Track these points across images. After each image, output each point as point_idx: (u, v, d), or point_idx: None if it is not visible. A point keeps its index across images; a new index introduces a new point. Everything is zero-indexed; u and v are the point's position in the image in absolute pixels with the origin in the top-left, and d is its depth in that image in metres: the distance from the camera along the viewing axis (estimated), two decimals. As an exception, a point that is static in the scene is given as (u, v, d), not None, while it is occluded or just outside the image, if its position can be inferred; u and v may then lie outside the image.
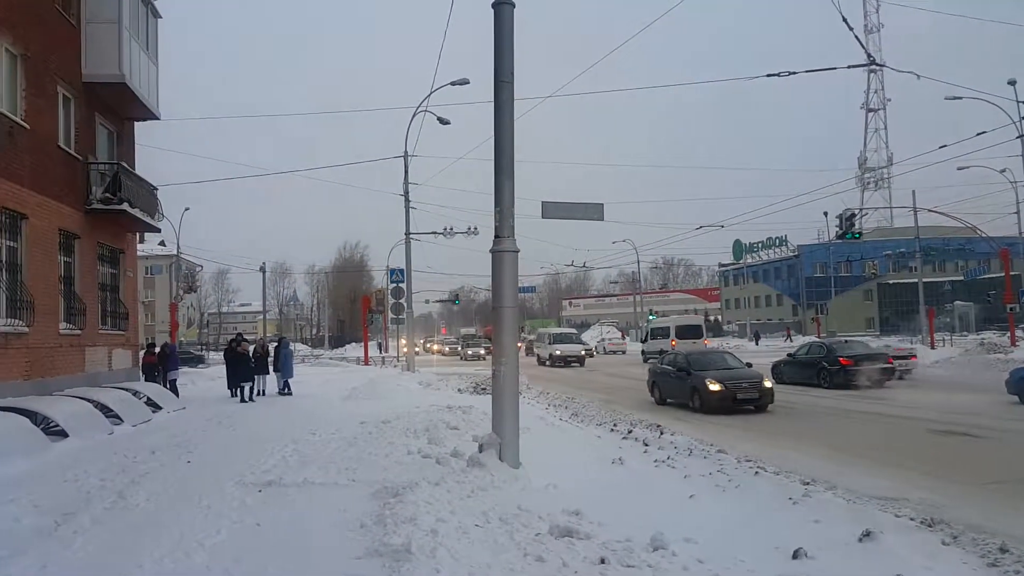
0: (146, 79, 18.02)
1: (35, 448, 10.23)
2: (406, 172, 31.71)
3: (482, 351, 47.58)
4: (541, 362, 40.37)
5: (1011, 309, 34.03)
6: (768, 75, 16.84)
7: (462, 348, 55.18)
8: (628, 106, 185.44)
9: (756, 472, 8.75)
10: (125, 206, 16.76)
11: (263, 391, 20.16)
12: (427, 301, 68.23)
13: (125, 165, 17.61)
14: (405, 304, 33.67)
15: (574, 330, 56.81)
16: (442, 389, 23.22)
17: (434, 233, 36.27)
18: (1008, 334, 34.80)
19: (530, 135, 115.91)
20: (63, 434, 11.46)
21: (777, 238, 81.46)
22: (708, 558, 5.42)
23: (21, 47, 13.44)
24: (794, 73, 16.69)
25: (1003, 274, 36.63)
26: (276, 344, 22.42)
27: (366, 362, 40.35)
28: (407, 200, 31.91)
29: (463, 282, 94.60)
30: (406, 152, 31.55)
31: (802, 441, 12.41)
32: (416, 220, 34.22)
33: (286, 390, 20.59)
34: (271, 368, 20.96)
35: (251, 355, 20.03)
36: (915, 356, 24.68)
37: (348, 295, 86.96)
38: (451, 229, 36.76)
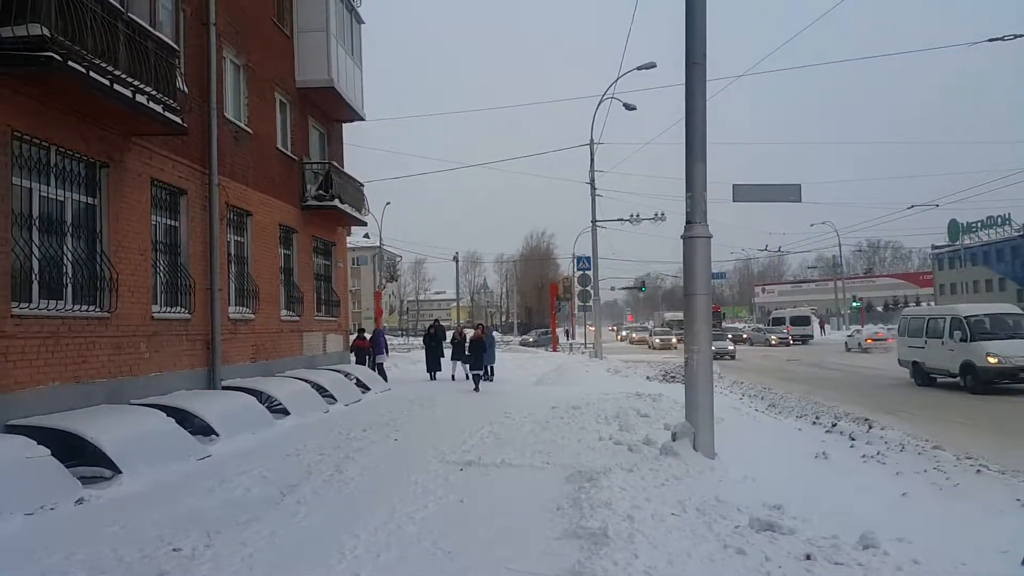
0: (351, 82, 19.33)
1: (261, 425, 11.37)
2: (592, 160, 31.85)
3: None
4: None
5: None
6: (991, 40, 15.20)
7: (650, 336, 53.66)
8: (831, 82, 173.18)
9: (978, 471, 8.03)
10: (336, 202, 18.13)
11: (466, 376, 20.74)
12: (613, 288, 68.02)
13: (335, 164, 19.06)
14: (592, 291, 33.87)
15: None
16: (630, 376, 23.17)
17: (620, 220, 36.08)
18: None
19: (720, 116, 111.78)
20: (284, 412, 12.60)
21: (999, 216, 72.66)
22: (925, 559, 5.02)
23: (244, 58, 14.90)
24: (1020, 36, 15.04)
25: None
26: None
27: (554, 348, 41.07)
28: (593, 188, 32.05)
29: (649, 269, 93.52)
30: (592, 140, 31.68)
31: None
32: (602, 207, 34.40)
33: (489, 376, 20.69)
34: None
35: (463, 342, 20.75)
36: None
37: (535, 283, 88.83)
38: (637, 216, 36.38)
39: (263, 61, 15.77)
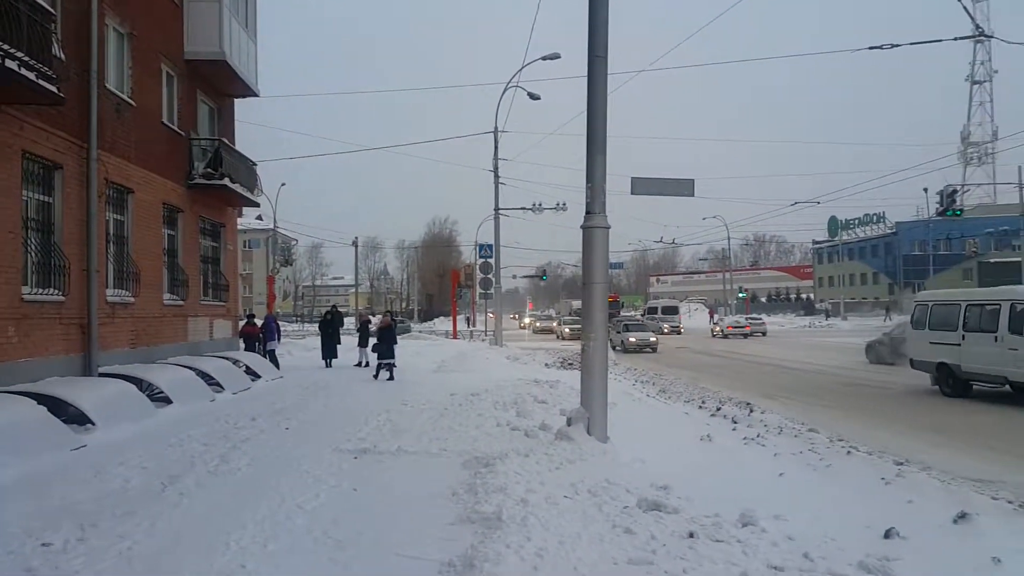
0: (245, 56, 18.49)
1: (141, 414, 10.79)
2: (496, 148, 31.92)
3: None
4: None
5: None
6: (871, 48, 16.27)
7: (558, 326, 51.25)
8: (724, 80, 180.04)
9: (848, 452, 8.56)
10: (226, 181, 17.34)
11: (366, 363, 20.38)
12: (514, 276, 68.58)
13: (226, 141, 18.26)
14: (493, 279, 34.05)
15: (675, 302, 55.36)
16: (529, 363, 23.45)
17: (523, 209, 36.34)
18: None
19: (621, 110, 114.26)
20: (167, 400, 12.04)
21: (875, 215, 78.29)
22: (798, 535, 5.33)
23: (128, 26, 13.98)
24: (897, 46, 16.06)
25: None
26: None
27: (454, 336, 41.08)
28: (496, 176, 32.13)
29: (551, 258, 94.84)
30: (496, 127, 31.72)
31: (895, 423, 11.99)
32: (505, 196, 34.50)
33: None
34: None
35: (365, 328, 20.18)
36: None
37: (437, 270, 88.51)
38: (540, 205, 36.78)
39: (149, 30, 14.92)
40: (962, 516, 5.63)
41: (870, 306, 72.50)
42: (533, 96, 29.03)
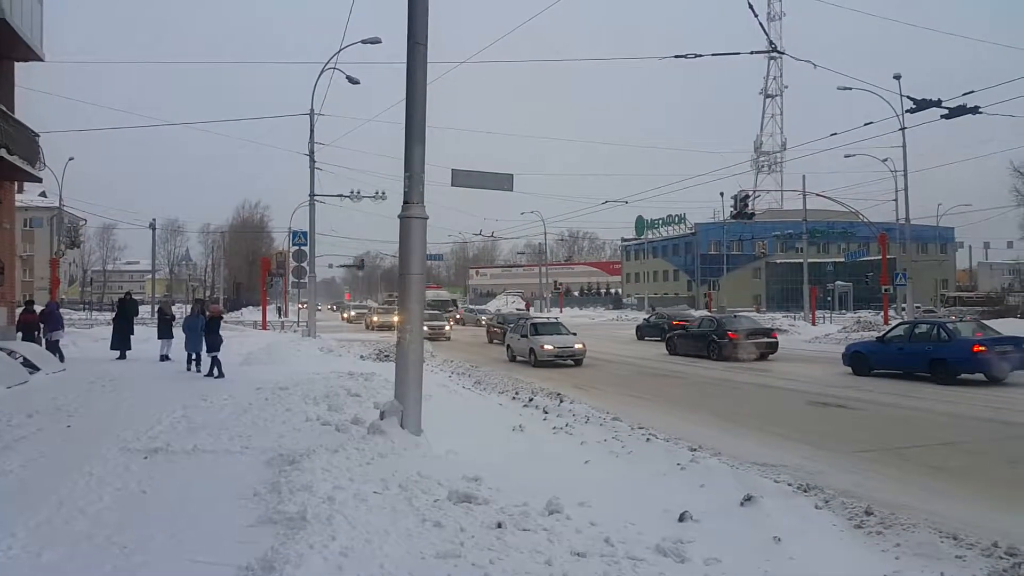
0: (28, 16, 16.73)
1: None
2: (312, 131, 30.73)
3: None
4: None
5: (885, 290, 36.48)
6: (676, 56, 17.23)
7: (369, 315, 50.80)
8: (545, 78, 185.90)
9: (648, 439, 9.07)
10: (3, 152, 15.56)
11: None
12: (331, 266, 66.63)
13: (3, 108, 16.31)
14: (307, 268, 32.86)
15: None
16: (344, 356, 22.88)
17: (340, 196, 35.24)
18: (882, 313, 37.40)
19: (443, 101, 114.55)
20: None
21: (677, 216, 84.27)
22: (600, 521, 5.60)
23: None
24: (700, 56, 17.17)
25: (880, 257, 39.29)
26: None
27: (264, 327, 39.24)
28: (312, 160, 30.98)
29: (369, 247, 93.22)
30: (312, 110, 30.52)
31: (693, 410, 13.00)
32: (322, 182, 33.34)
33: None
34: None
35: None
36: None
37: (246, 256, 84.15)
38: (358, 192, 35.84)
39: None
40: (748, 499, 6.10)
41: (669, 302, 78.06)
42: (352, 80, 28.25)
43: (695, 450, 8.51)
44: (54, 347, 17.99)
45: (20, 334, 18.14)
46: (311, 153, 30.95)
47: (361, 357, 22.43)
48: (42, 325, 18.56)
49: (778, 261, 75.63)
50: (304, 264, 32.85)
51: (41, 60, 17.89)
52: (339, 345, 26.43)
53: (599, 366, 21.90)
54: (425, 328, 24.33)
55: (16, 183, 19.14)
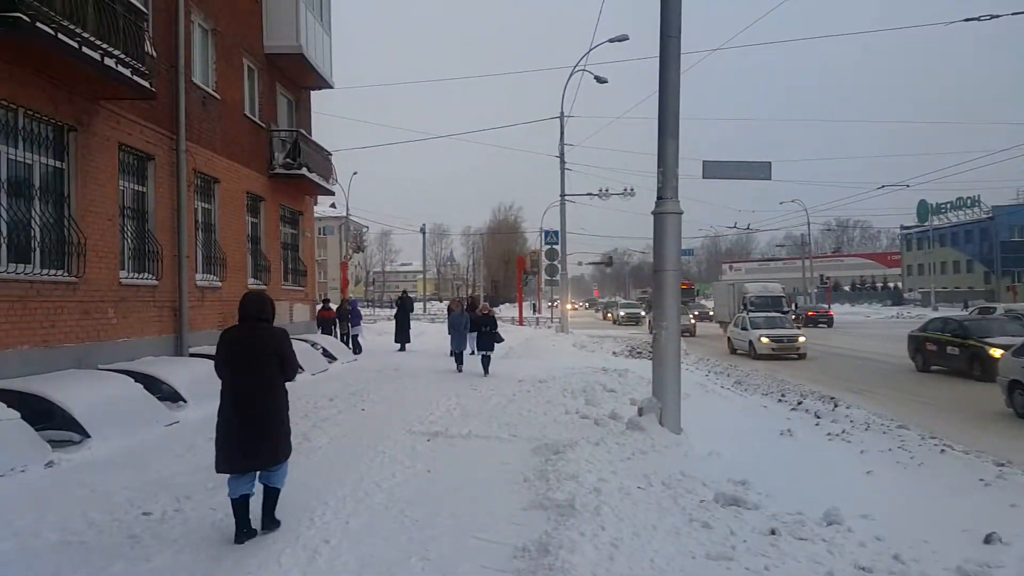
0: (320, 49, 18.93)
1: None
2: (562, 133, 31.71)
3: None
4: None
5: None
6: (967, 20, 15.27)
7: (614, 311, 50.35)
8: (801, 59, 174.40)
9: (942, 451, 8.17)
10: (304, 171, 17.83)
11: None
12: (580, 263, 68.14)
13: (303, 132, 18.71)
14: (559, 266, 33.92)
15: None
16: (596, 351, 23.31)
17: (589, 195, 35.97)
18: None
19: (693, 91, 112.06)
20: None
21: (969, 198, 73.84)
22: (887, 536, 5.12)
23: (212, 22, 14.51)
24: (996, 16, 15.06)
25: None
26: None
27: (520, 322, 41.17)
28: (562, 162, 31.95)
29: (617, 244, 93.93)
30: (562, 113, 31.49)
31: (996, 422, 11.38)
32: (571, 181, 34.21)
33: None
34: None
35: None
36: None
37: (502, 256, 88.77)
38: (606, 191, 36.32)
39: (231, 26, 15.39)
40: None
41: (964, 295, 68.51)
42: (600, 79, 28.68)
43: (1002, 465, 7.51)
44: (354, 340, 20.40)
45: (320, 329, 20.79)
46: (561, 155, 31.91)
47: (613, 353, 22.71)
48: (338, 320, 21.13)
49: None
50: (556, 262, 33.93)
51: (331, 87, 20.26)
52: (591, 340, 26.96)
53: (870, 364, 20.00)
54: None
55: (314, 197, 21.77)
